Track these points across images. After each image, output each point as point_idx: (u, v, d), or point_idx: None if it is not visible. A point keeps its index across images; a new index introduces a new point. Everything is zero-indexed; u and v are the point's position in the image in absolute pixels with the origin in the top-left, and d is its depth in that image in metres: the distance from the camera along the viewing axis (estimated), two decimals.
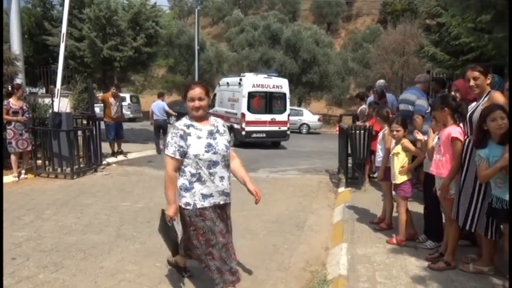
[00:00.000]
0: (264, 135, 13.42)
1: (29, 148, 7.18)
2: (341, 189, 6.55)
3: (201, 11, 32.11)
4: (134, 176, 7.77)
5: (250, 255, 3.83)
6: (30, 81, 13.54)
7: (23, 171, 7.28)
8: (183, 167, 2.70)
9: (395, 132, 3.92)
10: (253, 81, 13.46)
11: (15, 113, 6.99)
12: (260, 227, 4.69)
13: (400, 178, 3.92)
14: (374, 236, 4.18)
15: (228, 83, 14.69)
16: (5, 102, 7.04)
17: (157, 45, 15.35)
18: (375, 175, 6.57)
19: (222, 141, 2.78)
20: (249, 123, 13.14)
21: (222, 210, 2.89)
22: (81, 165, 7.77)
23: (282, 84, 13.78)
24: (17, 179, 7.08)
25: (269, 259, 3.78)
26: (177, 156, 2.64)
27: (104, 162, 8.66)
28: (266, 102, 13.48)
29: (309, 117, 23.06)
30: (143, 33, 13.93)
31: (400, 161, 3.92)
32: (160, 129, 11.16)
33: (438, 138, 3.37)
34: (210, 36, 43.70)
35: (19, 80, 8.43)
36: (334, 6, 43.42)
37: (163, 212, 2.86)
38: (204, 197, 2.70)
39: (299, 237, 4.42)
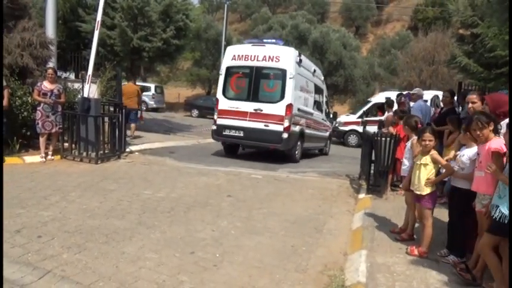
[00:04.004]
0: (241, 134, 9.04)
1: (53, 130, 7.35)
2: (361, 195, 6.47)
3: (229, 6, 32.26)
4: (156, 165, 7.88)
5: (268, 254, 3.84)
6: (61, 66, 13.87)
7: (50, 153, 7.48)
8: None
9: (427, 142, 3.83)
10: (234, 51, 9.49)
11: (45, 94, 7.19)
12: (279, 227, 4.68)
13: (425, 190, 3.85)
14: (394, 245, 4.12)
15: None
16: (38, 83, 7.28)
17: (186, 38, 15.48)
18: (400, 185, 6.45)
19: None
20: (222, 113, 9.28)
21: None
22: (106, 151, 7.94)
23: (279, 55, 8.90)
24: (44, 159, 7.28)
25: (287, 259, 3.77)
26: None
27: (127, 149, 8.82)
28: (250, 83, 9.13)
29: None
30: (173, 26, 14.06)
31: (427, 172, 3.85)
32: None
33: (478, 154, 3.29)
34: (237, 33, 43.84)
35: (51, 63, 8.65)
36: (364, 10, 42.93)
37: None
38: None
39: (318, 240, 4.39)
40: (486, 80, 10.17)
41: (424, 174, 3.85)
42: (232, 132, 9.12)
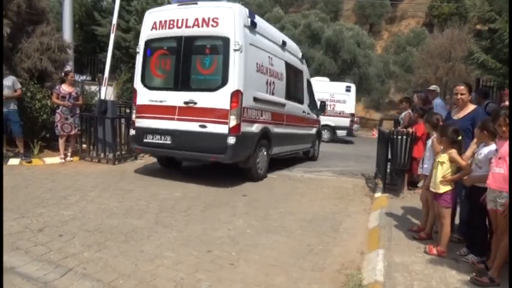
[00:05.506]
0: (168, 140, 6.34)
1: (72, 132, 7.53)
2: (378, 194, 6.41)
3: None
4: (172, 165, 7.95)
5: (284, 252, 3.85)
6: (78, 69, 14.18)
7: (69, 154, 7.64)
8: None
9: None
10: (155, 16, 6.64)
11: (63, 97, 7.36)
12: (295, 226, 4.68)
13: (442, 188, 3.80)
14: (412, 244, 4.07)
15: None
16: (57, 87, 7.46)
17: None
18: (419, 184, 6.35)
19: None
20: (141, 110, 6.66)
21: None
22: (123, 152, 8.07)
23: (218, 17, 6.13)
24: (63, 160, 7.46)
25: (303, 258, 3.76)
26: None
27: None
28: (177, 62, 6.39)
29: None
30: None
31: (443, 171, 3.80)
32: None
33: (496, 150, 3.24)
34: None
35: (69, 67, 8.85)
36: (378, 7, 42.40)
37: None
38: None
39: (334, 239, 4.38)
40: (505, 75, 9.95)
41: (441, 172, 3.81)
42: (157, 139, 6.41)
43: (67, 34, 9.53)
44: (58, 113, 7.37)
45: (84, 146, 8.06)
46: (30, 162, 7.11)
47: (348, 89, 16.52)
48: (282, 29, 32.40)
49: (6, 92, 6.76)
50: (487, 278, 3.14)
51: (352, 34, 27.86)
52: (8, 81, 6.87)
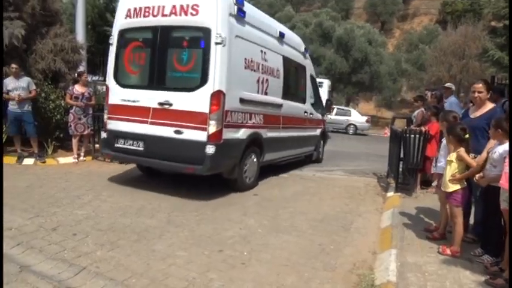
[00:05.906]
0: (141, 147, 5.60)
1: (86, 132, 7.61)
2: (390, 193, 6.35)
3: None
4: None
5: (295, 252, 3.84)
6: (91, 70, 14.36)
7: (82, 154, 7.74)
8: None
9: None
10: (130, 3, 5.81)
11: (76, 98, 7.46)
12: (306, 225, 4.66)
13: (451, 187, 3.76)
14: (425, 244, 4.02)
15: None
16: (70, 87, 7.56)
17: None
18: (434, 184, 6.25)
19: None
20: (113, 110, 5.94)
21: None
22: None
23: (198, 3, 5.26)
24: (76, 160, 7.55)
25: (315, 258, 3.75)
26: None
27: None
28: (152, 56, 5.61)
29: (356, 117, 22.59)
30: None
31: (452, 169, 3.76)
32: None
33: None
34: None
35: (82, 67, 8.96)
36: (390, 4, 42.00)
37: None
38: None
39: (345, 238, 4.35)
40: None
41: (449, 171, 3.78)
42: (129, 144, 5.69)
43: (80, 35, 9.65)
44: (71, 113, 7.47)
45: (97, 145, 8.14)
46: (44, 162, 7.23)
47: (319, 85, 16.47)
48: (293, 28, 32.34)
49: (21, 93, 6.89)
50: (502, 279, 3.09)
51: (364, 32, 27.69)
52: (23, 82, 6.99)
